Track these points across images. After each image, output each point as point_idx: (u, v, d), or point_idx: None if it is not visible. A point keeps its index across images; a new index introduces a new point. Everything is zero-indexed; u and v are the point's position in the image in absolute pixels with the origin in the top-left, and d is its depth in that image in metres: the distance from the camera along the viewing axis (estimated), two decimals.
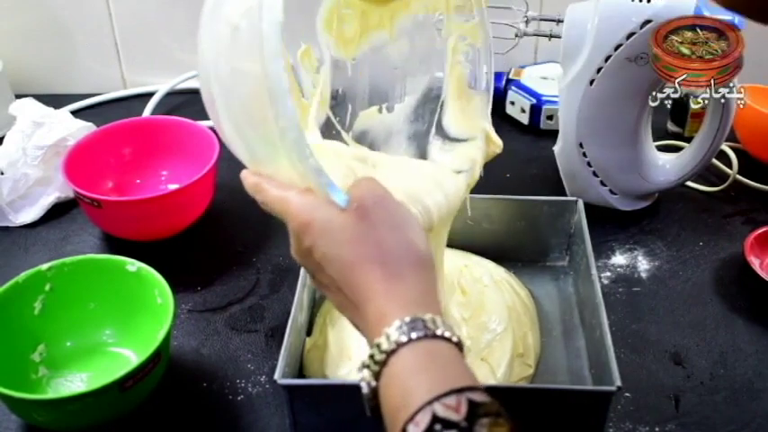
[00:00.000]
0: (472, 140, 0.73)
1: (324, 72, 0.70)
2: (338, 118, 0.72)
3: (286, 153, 0.52)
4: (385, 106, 0.75)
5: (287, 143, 0.51)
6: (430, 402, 0.44)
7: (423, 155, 0.74)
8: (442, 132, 0.75)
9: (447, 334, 0.48)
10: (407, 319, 0.48)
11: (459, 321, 0.76)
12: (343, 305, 0.54)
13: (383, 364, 0.47)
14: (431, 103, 0.75)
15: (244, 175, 0.59)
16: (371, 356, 0.48)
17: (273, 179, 0.56)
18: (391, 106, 0.75)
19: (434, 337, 0.47)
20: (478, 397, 0.45)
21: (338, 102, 0.73)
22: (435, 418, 0.43)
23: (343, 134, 0.72)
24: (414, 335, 0.47)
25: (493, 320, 0.76)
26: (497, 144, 0.73)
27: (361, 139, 0.74)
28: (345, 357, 0.73)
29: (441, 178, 0.68)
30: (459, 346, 0.49)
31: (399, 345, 0.47)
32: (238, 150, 0.58)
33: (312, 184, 0.53)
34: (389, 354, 0.47)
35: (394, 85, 0.75)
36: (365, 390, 0.48)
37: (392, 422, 0.46)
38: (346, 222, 0.52)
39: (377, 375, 0.48)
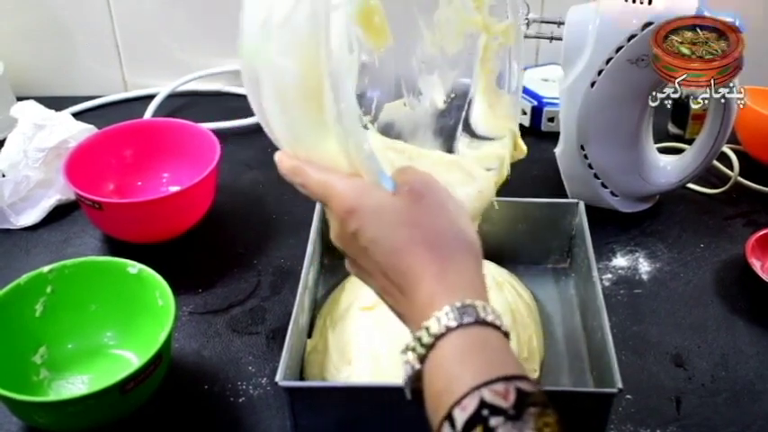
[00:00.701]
0: (499, 139, 0.73)
1: (353, 63, 0.70)
2: (363, 109, 0.71)
3: (339, 137, 0.51)
4: (410, 100, 0.74)
5: (344, 127, 0.50)
6: (478, 387, 0.44)
7: (449, 151, 0.74)
8: (469, 130, 0.74)
9: (497, 322, 0.48)
10: (458, 304, 0.47)
11: None
12: (385, 290, 0.52)
13: (430, 347, 0.47)
14: (458, 99, 0.74)
15: (279, 157, 0.57)
16: (418, 339, 0.47)
17: (313, 162, 0.55)
18: (417, 100, 0.74)
19: (484, 323, 0.47)
20: (527, 386, 0.44)
21: (363, 93, 0.72)
22: (483, 403, 0.43)
23: (369, 126, 0.71)
24: (465, 319, 0.47)
25: None
26: (522, 150, 0.72)
27: (387, 130, 0.73)
28: (345, 362, 0.73)
29: (474, 173, 0.68)
30: (506, 335, 0.49)
31: (449, 329, 0.46)
32: (279, 131, 0.57)
33: (363, 170, 0.52)
34: (438, 337, 0.47)
35: (421, 78, 0.74)
36: (409, 372, 0.48)
37: (436, 406, 0.46)
38: (399, 205, 0.51)
39: (422, 358, 0.47)
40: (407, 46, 0.71)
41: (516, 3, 0.70)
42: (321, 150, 0.54)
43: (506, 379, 0.44)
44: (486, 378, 0.44)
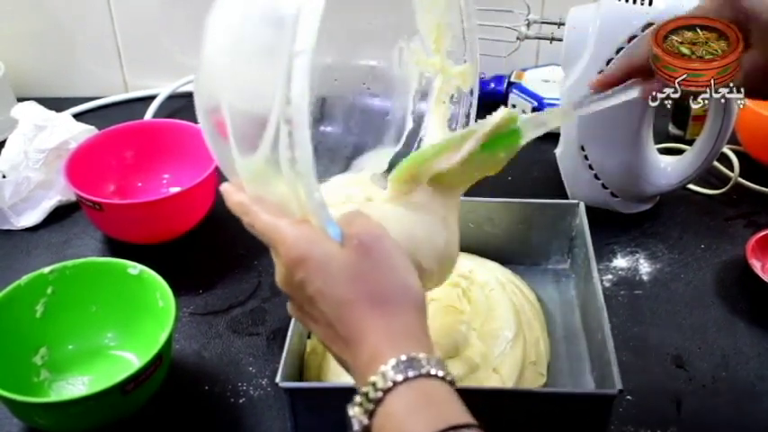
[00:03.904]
0: None
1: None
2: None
3: (290, 182, 0.51)
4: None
5: (296, 174, 0.50)
6: None
7: None
8: None
9: (440, 373, 0.48)
10: (403, 357, 0.47)
11: (469, 333, 0.75)
12: (330, 339, 0.52)
13: (378, 402, 0.47)
14: (410, 137, 0.73)
15: (226, 189, 0.57)
16: (365, 394, 0.47)
17: (261, 200, 0.55)
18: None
19: (429, 375, 0.47)
20: None
21: (316, 126, 0.72)
22: None
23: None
24: (410, 373, 0.47)
25: (503, 327, 0.75)
26: None
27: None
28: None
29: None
30: (452, 383, 0.48)
31: (395, 383, 0.46)
32: (226, 160, 0.56)
33: (312, 218, 0.52)
34: (385, 392, 0.46)
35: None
36: (356, 427, 0.47)
37: None
38: (347, 259, 0.51)
39: (370, 413, 0.47)
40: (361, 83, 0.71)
41: (475, 49, 0.68)
42: (270, 188, 0.54)
43: (455, 428, 0.44)
44: (437, 429, 0.44)
